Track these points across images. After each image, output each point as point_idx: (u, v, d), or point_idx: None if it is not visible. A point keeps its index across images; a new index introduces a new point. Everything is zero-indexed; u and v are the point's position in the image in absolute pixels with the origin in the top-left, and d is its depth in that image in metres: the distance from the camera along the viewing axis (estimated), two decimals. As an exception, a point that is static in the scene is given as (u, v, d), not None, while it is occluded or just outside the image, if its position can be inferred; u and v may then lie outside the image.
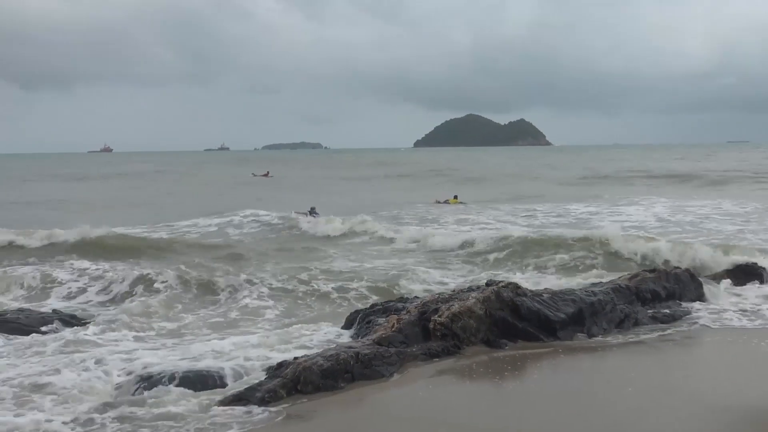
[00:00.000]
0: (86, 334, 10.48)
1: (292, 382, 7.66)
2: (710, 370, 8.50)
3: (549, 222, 23.07)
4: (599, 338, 9.72)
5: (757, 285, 12.51)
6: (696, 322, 10.54)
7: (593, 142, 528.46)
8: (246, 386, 7.77)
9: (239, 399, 7.41)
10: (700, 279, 12.08)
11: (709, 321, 10.60)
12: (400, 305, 10.37)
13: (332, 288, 13.15)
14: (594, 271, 14.50)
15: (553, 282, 13.05)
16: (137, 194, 43.94)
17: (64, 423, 6.91)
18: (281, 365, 8.08)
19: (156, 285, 13.48)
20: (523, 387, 7.92)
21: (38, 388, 7.99)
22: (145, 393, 7.73)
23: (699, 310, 11.13)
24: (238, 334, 10.38)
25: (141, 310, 12.00)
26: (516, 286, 10.17)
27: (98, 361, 9.03)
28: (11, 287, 14.07)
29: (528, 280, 13.11)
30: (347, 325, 10.49)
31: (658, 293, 11.31)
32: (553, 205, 28.57)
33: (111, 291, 13.64)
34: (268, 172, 63.51)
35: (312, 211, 25.27)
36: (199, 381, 7.98)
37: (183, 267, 14.89)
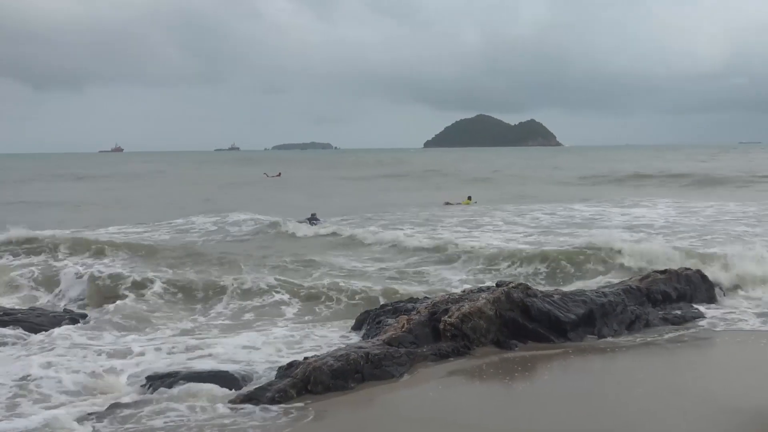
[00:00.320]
0: (97, 333, 10.55)
1: (302, 382, 7.67)
2: (721, 371, 8.46)
3: (554, 223, 22.96)
4: (610, 339, 9.69)
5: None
6: (707, 324, 10.50)
7: (604, 143, 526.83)
8: (256, 386, 7.79)
9: (249, 399, 7.42)
10: (711, 281, 12.03)
11: (721, 323, 10.56)
12: (410, 306, 10.37)
13: (335, 291, 12.98)
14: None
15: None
16: (131, 194, 43.79)
17: (76, 420, 6.94)
18: (291, 365, 8.10)
19: (157, 286, 13.43)
20: (533, 388, 7.91)
21: (49, 386, 8.05)
22: (154, 392, 7.75)
23: (710, 311, 11.09)
24: (245, 336, 10.39)
25: (146, 310, 12.09)
26: (526, 287, 10.16)
27: (109, 360, 9.11)
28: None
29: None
30: (357, 326, 10.51)
31: (669, 294, 11.27)
32: (559, 206, 28.43)
33: (111, 290, 13.61)
34: (280, 173, 63.66)
35: (313, 218, 23.99)
36: (208, 381, 7.99)
37: (179, 270, 14.99)
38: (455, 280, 14.18)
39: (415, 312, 9.64)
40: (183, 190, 48.29)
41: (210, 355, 9.36)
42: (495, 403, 7.46)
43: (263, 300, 12.67)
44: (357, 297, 12.55)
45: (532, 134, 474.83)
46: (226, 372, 8.31)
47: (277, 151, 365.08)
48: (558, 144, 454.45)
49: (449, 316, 9.24)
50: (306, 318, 11.80)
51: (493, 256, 15.66)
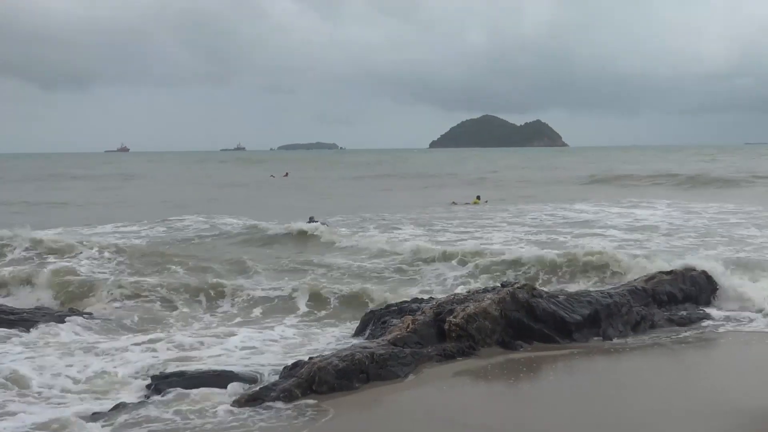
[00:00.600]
0: (102, 333, 10.59)
1: (307, 382, 7.67)
2: (728, 372, 8.44)
3: (555, 223, 22.94)
4: (615, 340, 9.67)
5: None
6: (712, 325, 10.47)
7: (611, 143, 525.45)
8: (261, 386, 7.80)
9: (254, 399, 7.42)
10: (716, 282, 11.97)
11: (727, 324, 10.52)
12: (415, 306, 10.36)
13: (336, 292, 12.87)
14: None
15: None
16: (131, 194, 43.77)
17: (81, 419, 6.96)
18: (296, 365, 8.10)
19: (159, 287, 13.41)
20: (538, 389, 7.90)
21: (53, 385, 8.09)
22: (159, 392, 7.75)
23: (715, 312, 11.05)
24: (249, 336, 10.39)
25: (149, 311, 12.11)
26: (531, 287, 10.15)
27: (114, 360, 9.13)
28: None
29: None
30: (362, 326, 10.49)
31: (675, 295, 11.24)
32: (559, 207, 28.41)
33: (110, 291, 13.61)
34: (287, 174, 63.76)
35: (311, 221, 22.69)
36: (212, 381, 8.00)
37: (180, 270, 15.06)
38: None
39: (420, 312, 9.63)
40: (186, 190, 48.25)
41: (214, 355, 9.39)
42: (500, 404, 7.46)
43: (265, 301, 12.64)
44: (350, 298, 12.46)
45: (538, 135, 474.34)
46: (231, 372, 8.31)
47: (282, 151, 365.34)
48: (564, 144, 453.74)
49: (454, 317, 9.23)
50: (309, 318, 11.80)
51: (475, 259, 15.11)
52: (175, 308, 12.30)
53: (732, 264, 13.12)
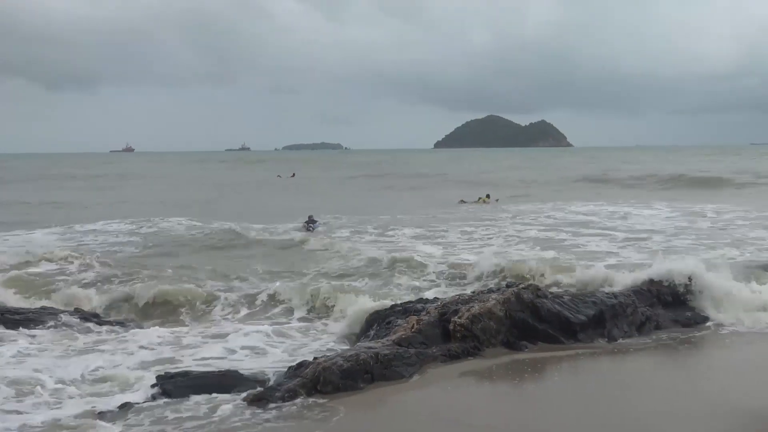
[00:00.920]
0: (107, 333, 10.62)
1: (311, 382, 7.68)
2: (733, 373, 8.42)
3: (556, 224, 22.94)
4: (620, 341, 9.66)
5: None
6: (717, 326, 10.43)
7: (615, 144, 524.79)
8: (266, 386, 7.81)
9: (259, 399, 7.43)
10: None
11: (731, 325, 10.47)
12: (419, 306, 10.35)
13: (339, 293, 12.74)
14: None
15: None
16: (132, 195, 43.78)
17: (87, 419, 6.99)
18: (301, 365, 8.11)
19: (161, 287, 13.42)
20: (543, 389, 7.90)
21: (59, 384, 8.11)
22: (164, 392, 7.77)
23: (720, 314, 10.98)
24: (253, 336, 10.41)
25: (151, 311, 12.18)
26: (536, 288, 10.14)
27: (119, 359, 9.16)
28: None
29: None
30: (366, 327, 10.48)
31: (679, 296, 11.18)
32: (559, 208, 28.40)
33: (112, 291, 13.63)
34: (294, 174, 63.86)
35: (310, 221, 22.66)
36: (218, 381, 8.01)
37: (179, 272, 15.04)
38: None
39: (424, 312, 9.63)
40: (189, 190, 48.11)
41: (218, 355, 9.42)
42: (505, 405, 7.46)
43: (268, 301, 12.61)
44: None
45: (543, 135, 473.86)
46: (236, 372, 8.33)
47: (287, 152, 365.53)
48: (569, 145, 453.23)
49: (459, 317, 9.23)
50: (312, 318, 11.80)
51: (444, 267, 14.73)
52: (177, 308, 12.29)
53: (742, 267, 13.02)
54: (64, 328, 10.83)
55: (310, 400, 7.43)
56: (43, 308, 11.92)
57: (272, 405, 7.28)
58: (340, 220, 24.85)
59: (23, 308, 11.79)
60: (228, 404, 7.36)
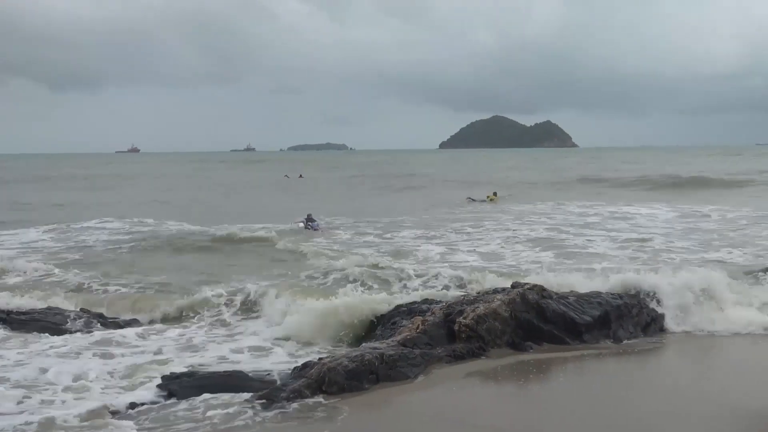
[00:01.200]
0: (111, 333, 10.64)
1: (316, 383, 7.69)
2: (738, 374, 8.40)
3: (555, 224, 22.87)
4: (625, 342, 9.64)
5: None
6: (721, 328, 10.38)
7: (621, 144, 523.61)
8: (271, 386, 7.81)
9: (265, 399, 7.44)
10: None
11: (734, 326, 10.43)
12: (424, 307, 10.35)
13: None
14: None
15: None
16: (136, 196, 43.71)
17: (93, 419, 7.01)
18: (306, 366, 8.12)
19: (162, 287, 13.48)
20: (548, 390, 7.89)
21: (64, 384, 8.14)
22: (171, 392, 7.79)
23: (723, 314, 10.94)
24: (257, 336, 10.46)
25: (153, 311, 12.14)
26: (542, 288, 10.12)
27: (125, 359, 9.19)
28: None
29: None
30: (371, 327, 10.48)
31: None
32: (558, 208, 28.32)
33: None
34: (301, 175, 63.92)
35: (309, 220, 22.39)
36: (223, 381, 8.03)
37: (180, 271, 15.04)
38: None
39: (429, 313, 9.63)
40: (191, 191, 47.80)
41: (223, 356, 9.44)
42: (510, 405, 7.45)
43: (268, 302, 12.59)
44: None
45: (548, 135, 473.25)
46: (241, 372, 8.35)
47: (292, 152, 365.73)
48: (574, 145, 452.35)
49: (464, 318, 9.23)
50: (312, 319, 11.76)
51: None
52: (179, 309, 12.26)
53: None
54: (70, 327, 10.88)
55: (315, 400, 7.44)
56: (49, 308, 11.96)
57: (277, 405, 7.29)
58: (339, 219, 24.82)
59: (30, 308, 11.82)
60: (233, 405, 7.37)
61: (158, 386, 7.94)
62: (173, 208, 31.64)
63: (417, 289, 12.42)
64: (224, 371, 8.42)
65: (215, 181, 59.21)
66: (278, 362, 9.05)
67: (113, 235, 21.55)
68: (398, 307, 10.72)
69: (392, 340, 8.92)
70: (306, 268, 15.35)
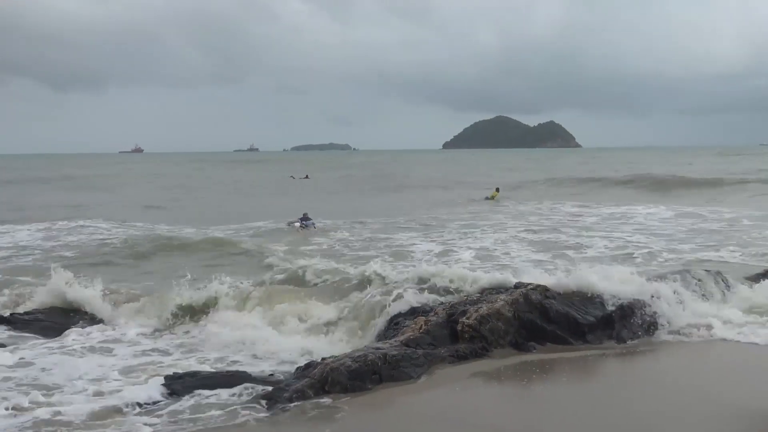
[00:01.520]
0: (115, 333, 10.67)
1: (319, 383, 7.69)
2: (743, 375, 8.36)
3: (553, 224, 22.86)
4: (629, 342, 9.61)
5: None
6: (725, 328, 10.33)
7: (624, 144, 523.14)
8: (274, 386, 7.82)
9: (267, 399, 7.46)
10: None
11: (737, 327, 10.38)
12: (427, 307, 10.35)
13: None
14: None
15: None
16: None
17: (94, 419, 7.02)
18: (309, 366, 8.12)
19: (163, 288, 13.42)
20: (551, 391, 7.86)
21: (66, 384, 8.16)
22: (173, 392, 7.80)
23: (726, 316, 10.91)
24: (259, 338, 10.40)
25: (155, 311, 12.12)
26: (545, 289, 10.09)
27: (127, 360, 9.21)
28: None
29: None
30: (374, 327, 10.46)
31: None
32: (557, 209, 28.30)
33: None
34: (307, 175, 64.03)
35: (304, 218, 22.46)
36: (226, 381, 8.03)
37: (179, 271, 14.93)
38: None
39: (432, 313, 9.63)
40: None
41: (225, 356, 9.45)
42: (512, 406, 7.44)
43: (272, 303, 12.57)
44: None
45: (552, 135, 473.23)
46: (244, 372, 8.36)
47: (296, 152, 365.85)
48: (577, 145, 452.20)
49: (467, 318, 9.22)
50: (317, 318, 11.76)
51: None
52: (180, 309, 12.26)
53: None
54: (73, 328, 10.89)
55: (318, 400, 7.44)
56: (52, 308, 11.98)
57: (280, 405, 7.30)
58: (339, 219, 24.84)
59: (33, 309, 11.85)
60: (236, 404, 7.39)
61: (162, 385, 7.96)
62: (173, 209, 31.64)
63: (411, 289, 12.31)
64: (227, 371, 8.43)
65: (215, 181, 59.25)
66: (280, 362, 9.06)
67: (99, 235, 21.66)
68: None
69: (395, 340, 8.92)
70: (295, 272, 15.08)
